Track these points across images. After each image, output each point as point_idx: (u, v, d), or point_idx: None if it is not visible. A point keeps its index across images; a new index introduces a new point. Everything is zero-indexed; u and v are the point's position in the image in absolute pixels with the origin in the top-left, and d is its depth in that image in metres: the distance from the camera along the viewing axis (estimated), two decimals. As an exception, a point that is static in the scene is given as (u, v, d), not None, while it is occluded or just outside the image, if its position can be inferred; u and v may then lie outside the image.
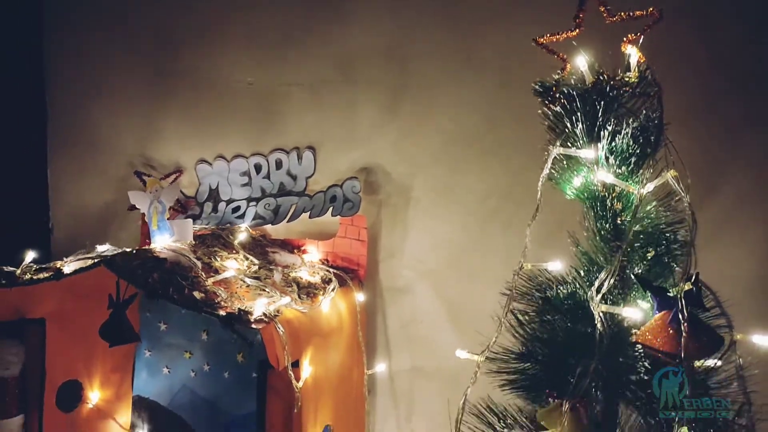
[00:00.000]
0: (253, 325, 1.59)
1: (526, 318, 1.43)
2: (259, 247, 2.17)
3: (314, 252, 2.23)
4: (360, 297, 2.10)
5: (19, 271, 1.83)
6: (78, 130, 2.58)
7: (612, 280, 1.20)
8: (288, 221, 2.25)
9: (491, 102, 2.10)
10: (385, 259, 2.27)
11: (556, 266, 1.38)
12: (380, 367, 2.21)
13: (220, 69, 2.39)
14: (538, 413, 1.28)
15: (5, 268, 1.88)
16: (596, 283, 1.20)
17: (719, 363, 1.31)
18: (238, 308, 1.61)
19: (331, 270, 2.07)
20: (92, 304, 2.12)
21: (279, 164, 2.30)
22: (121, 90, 2.51)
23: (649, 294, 1.18)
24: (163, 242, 2.00)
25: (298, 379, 1.65)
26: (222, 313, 1.61)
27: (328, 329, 1.91)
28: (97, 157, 2.56)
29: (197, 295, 1.66)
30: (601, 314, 1.18)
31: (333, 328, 1.95)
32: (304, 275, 2.01)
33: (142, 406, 2.45)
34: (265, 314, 1.63)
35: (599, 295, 1.19)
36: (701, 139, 1.75)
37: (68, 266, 1.77)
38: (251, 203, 2.32)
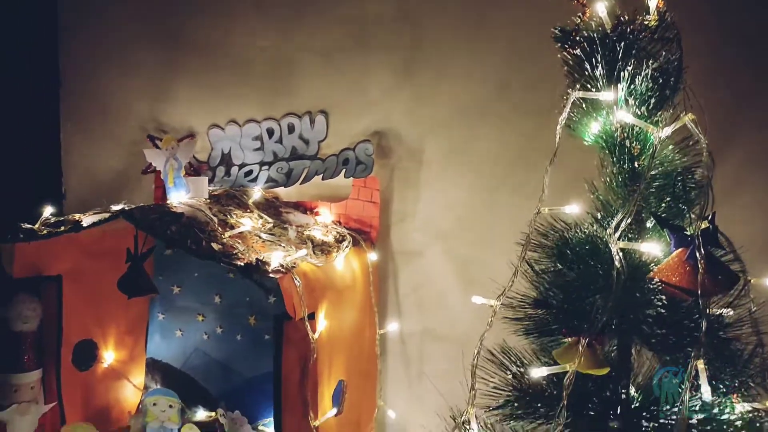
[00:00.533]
0: (271, 275, 1.60)
1: (541, 267, 1.45)
2: (272, 208, 2.19)
3: (327, 214, 2.25)
4: (372, 256, 2.12)
5: (37, 225, 1.85)
6: (90, 96, 2.59)
7: (629, 220, 1.22)
8: (301, 183, 2.27)
9: (504, 66, 2.11)
10: (396, 222, 2.29)
11: (573, 209, 1.40)
12: (392, 326, 2.23)
13: (233, 33, 2.39)
14: (554, 352, 1.30)
15: (23, 225, 1.90)
16: (614, 221, 1.22)
17: (731, 312, 1.33)
18: (256, 258, 1.63)
19: (345, 229, 2.09)
20: (106, 265, 2.15)
21: (291, 128, 2.32)
22: (133, 55, 2.51)
23: (667, 232, 1.20)
24: (179, 198, 2.02)
25: (314, 331, 1.67)
26: (240, 263, 1.63)
27: (341, 286, 1.94)
28: (109, 122, 2.57)
29: (215, 246, 1.67)
30: (618, 251, 1.20)
31: (347, 285, 1.97)
32: (318, 235, 2.03)
33: (155, 368, 2.49)
34: (282, 265, 1.65)
35: (617, 233, 1.21)
36: (718, 88, 1.75)
37: (87, 219, 1.79)
38: (264, 167, 2.34)
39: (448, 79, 2.18)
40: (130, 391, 2.38)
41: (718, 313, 1.30)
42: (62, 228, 1.81)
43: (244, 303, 2.34)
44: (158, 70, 2.50)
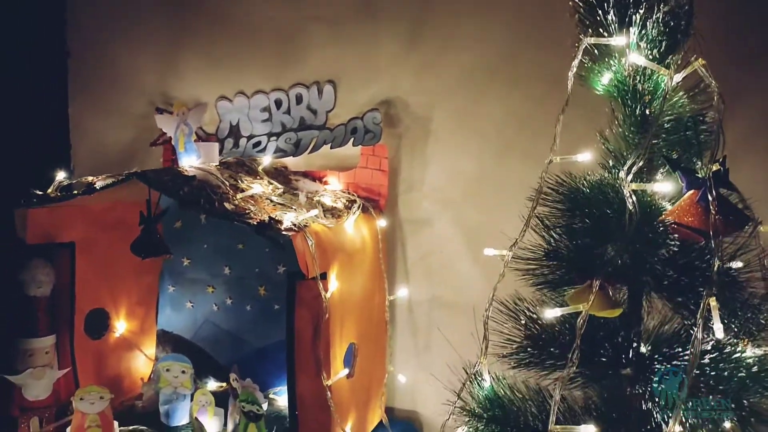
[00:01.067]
0: (284, 233, 1.62)
1: (553, 222, 1.46)
2: (282, 176, 2.20)
3: (335, 183, 2.26)
4: (382, 222, 2.14)
5: (50, 190, 1.87)
6: (98, 70, 2.60)
7: (641, 163, 1.24)
8: (309, 152, 2.28)
9: (511, 33, 2.12)
10: (404, 191, 2.30)
11: (585, 157, 1.41)
12: (402, 292, 2.25)
13: (240, 4, 2.40)
14: (566, 296, 1.32)
15: (37, 192, 1.92)
16: (627, 164, 1.23)
17: (741, 264, 1.35)
18: (269, 216, 1.64)
19: (354, 195, 2.10)
20: (117, 237, 2.17)
21: (299, 99, 2.33)
22: (140, 28, 2.52)
23: (679, 174, 1.21)
24: (190, 163, 2.03)
25: (326, 291, 1.69)
26: (253, 222, 1.64)
27: (352, 249, 1.95)
28: (117, 96, 2.59)
29: (228, 206, 1.69)
30: (631, 193, 1.22)
31: (357, 249, 1.98)
32: (328, 201, 2.04)
33: (166, 339, 2.51)
34: (294, 224, 1.67)
35: (630, 176, 1.23)
36: (730, 33, 1.74)
37: (100, 182, 1.80)
38: (272, 138, 2.35)
39: (455, 46, 2.19)
40: (142, 361, 2.40)
41: (729, 261, 1.31)
42: (75, 192, 1.82)
43: (253, 274, 2.35)
44: (166, 43, 2.51)
